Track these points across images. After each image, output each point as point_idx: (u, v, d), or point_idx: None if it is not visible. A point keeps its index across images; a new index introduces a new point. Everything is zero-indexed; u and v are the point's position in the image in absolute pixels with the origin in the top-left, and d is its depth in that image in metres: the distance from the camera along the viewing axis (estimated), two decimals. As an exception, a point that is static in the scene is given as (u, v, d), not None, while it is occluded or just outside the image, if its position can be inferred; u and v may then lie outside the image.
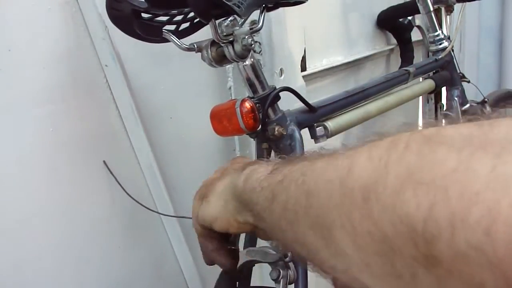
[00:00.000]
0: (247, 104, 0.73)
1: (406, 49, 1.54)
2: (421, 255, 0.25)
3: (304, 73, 1.19)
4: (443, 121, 0.32)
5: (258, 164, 0.47)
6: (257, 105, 0.75)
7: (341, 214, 0.31)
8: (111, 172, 0.88)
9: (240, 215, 0.48)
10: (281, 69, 1.08)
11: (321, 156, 0.38)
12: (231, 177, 0.51)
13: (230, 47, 0.71)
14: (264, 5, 0.77)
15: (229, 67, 1.08)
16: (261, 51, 1.01)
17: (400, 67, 1.47)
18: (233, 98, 1.06)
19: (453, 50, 1.37)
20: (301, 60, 1.17)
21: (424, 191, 0.25)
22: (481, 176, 0.23)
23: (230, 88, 1.10)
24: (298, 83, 1.14)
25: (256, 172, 0.45)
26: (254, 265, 0.75)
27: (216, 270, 0.80)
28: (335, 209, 0.32)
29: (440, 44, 1.34)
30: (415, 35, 1.58)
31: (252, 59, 0.75)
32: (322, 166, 0.35)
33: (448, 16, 1.47)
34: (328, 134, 0.87)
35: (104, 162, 0.88)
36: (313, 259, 0.36)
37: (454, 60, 1.38)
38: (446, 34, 1.36)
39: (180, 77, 1.01)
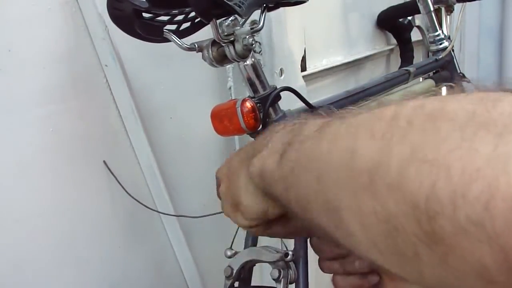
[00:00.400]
0: (248, 104, 0.73)
1: (406, 49, 1.54)
2: (424, 233, 0.26)
3: (304, 73, 1.19)
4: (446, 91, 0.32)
5: (261, 149, 0.47)
6: (258, 105, 0.75)
7: (348, 195, 0.32)
8: (111, 172, 0.88)
9: (276, 205, 0.48)
10: (281, 69, 1.08)
11: (321, 131, 0.38)
12: (243, 175, 0.51)
13: (231, 47, 0.71)
14: (264, 5, 0.77)
15: (229, 67, 1.08)
16: (261, 51, 1.01)
17: (400, 67, 1.47)
18: (233, 98, 1.06)
19: (453, 50, 1.36)
20: (301, 60, 1.17)
21: (427, 169, 0.26)
22: (482, 154, 0.24)
23: (230, 88, 1.10)
24: (298, 83, 1.14)
25: (267, 162, 0.45)
26: (254, 265, 0.75)
27: (216, 270, 0.80)
28: (342, 190, 0.32)
29: (441, 44, 1.34)
30: (415, 35, 1.58)
31: (253, 59, 0.75)
32: (326, 148, 0.35)
33: (448, 16, 1.47)
34: (329, 134, 0.87)
35: (104, 162, 0.88)
36: (332, 240, 0.37)
37: (454, 60, 1.38)
38: (446, 34, 1.36)
39: (180, 77, 1.01)
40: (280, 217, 0.52)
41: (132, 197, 0.91)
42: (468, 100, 0.28)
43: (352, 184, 0.31)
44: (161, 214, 0.98)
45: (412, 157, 0.27)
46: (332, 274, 0.56)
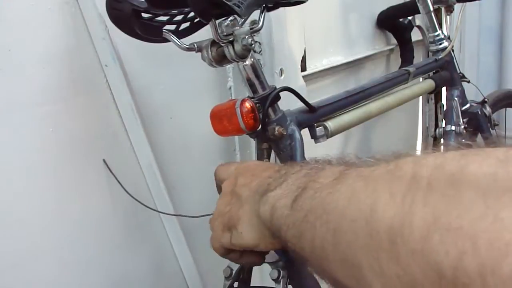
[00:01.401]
0: (247, 104, 0.73)
1: (406, 49, 1.54)
2: None
3: (304, 73, 1.19)
4: (461, 145, 0.31)
5: (275, 188, 0.47)
6: (257, 105, 0.75)
7: (368, 255, 0.31)
8: (110, 170, 0.88)
9: (278, 241, 0.48)
10: (281, 69, 1.08)
11: (338, 182, 0.38)
12: (250, 206, 0.52)
13: (230, 47, 0.71)
14: (264, 5, 0.77)
15: (229, 67, 1.08)
16: (261, 51, 1.01)
17: (400, 67, 1.47)
18: (233, 98, 1.06)
19: (453, 50, 1.36)
20: (301, 60, 1.17)
21: (452, 239, 0.26)
22: (509, 226, 0.23)
23: (230, 88, 1.10)
24: (298, 83, 1.14)
25: (278, 204, 0.45)
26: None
27: (216, 269, 0.80)
28: (363, 249, 0.32)
29: (440, 44, 1.34)
30: (415, 35, 1.58)
31: (252, 59, 0.75)
32: (344, 203, 0.35)
33: (448, 16, 1.47)
34: (328, 134, 0.87)
35: (104, 160, 0.88)
36: None
37: (454, 60, 1.38)
38: (446, 34, 1.36)
39: (180, 77, 1.01)
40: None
41: (132, 197, 0.91)
42: (489, 162, 0.28)
43: (372, 244, 0.31)
44: (161, 214, 0.98)
45: (436, 223, 0.27)
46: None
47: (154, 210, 0.95)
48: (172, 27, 0.72)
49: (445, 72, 1.35)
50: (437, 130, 1.38)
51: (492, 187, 0.26)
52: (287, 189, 0.45)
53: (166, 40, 0.72)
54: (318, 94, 1.17)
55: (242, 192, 0.54)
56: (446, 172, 0.29)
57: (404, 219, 0.29)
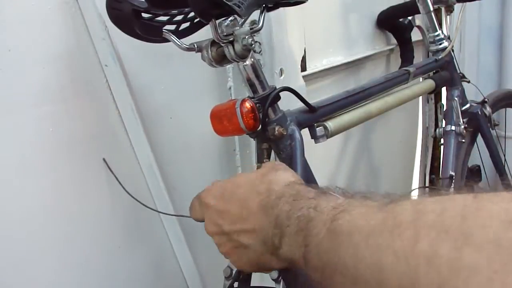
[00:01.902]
0: (248, 104, 0.73)
1: (406, 49, 1.54)
2: None
3: (304, 73, 1.19)
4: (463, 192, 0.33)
5: (280, 244, 0.50)
6: (257, 105, 0.75)
7: None
8: (110, 170, 0.88)
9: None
10: (281, 69, 1.08)
11: (333, 236, 0.41)
12: (261, 256, 0.55)
13: (230, 47, 0.71)
14: (264, 5, 0.77)
15: (229, 67, 1.08)
16: (261, 51, 1.01)
17: (400, 67, 1.47)
18: (233, 98, 1.06)
19: (453, 50, 1.36)
20: (301, 60, 1.17)
21: None
22: None
23: (230, 88, 1.10)
24: (298, 83, 1.14)
25: (295, 259, 0.48)
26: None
27: (216, 269, 0.80)
28: None
29: (440, 44, 1.34)
30: (415, 35, 1.58)
31: (252, 59, 0.75)
32: (350, 262, 0.38)
33: (448, 16, 1.47)
34: (328, 134, 0.87)
35: (104, 159, 0.88)
36: None
37: (454, 60, 1.38)
38: (446, 34, 1.36)
39: (180, 77, 1.01)
40: None
41: (132, 196, 0.91)
42: (491, 224, 0.28)
43: None
44: (160, 214, 0.98)
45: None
46: None
47: (154, 210, 0.95)
48: (172, 27, 0.72)
49: (445, 72, 1.35)
50: (437, 130, 1.39)
51: (496, 252, 0.26)
52: (291, 246, 0.48)
53: (166, 40, 0.72)
54: (318, 94, 1.17)
55: (248, 244, 0.55)
56: (449, 238, 0.29)
57: (412, 281, 0.30)
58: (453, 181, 1.26)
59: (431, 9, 1.32)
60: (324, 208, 0.45)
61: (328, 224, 0.42)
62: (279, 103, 0.79)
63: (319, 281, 0.44)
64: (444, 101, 1.44)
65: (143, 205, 0.92)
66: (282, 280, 0.68)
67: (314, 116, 0.86)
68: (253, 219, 0.54)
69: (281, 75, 1.08)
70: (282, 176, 0.56)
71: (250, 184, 0.57)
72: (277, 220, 0.50)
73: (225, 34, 0.71)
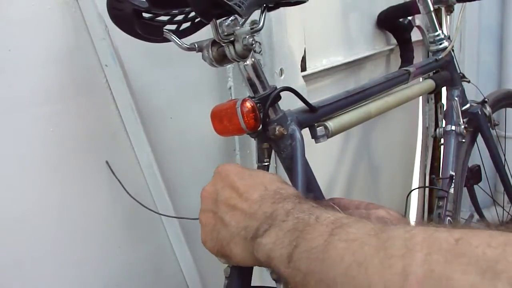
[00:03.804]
0: (248, 104, 0.73)
1: (406, 49, 1.54)
2: None
3: (304, 73, 1.19)
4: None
5: (263, 233, 0.51)
6: (258, 105, 0.75)
7: None
8: (113, 172, 0.88)
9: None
10: (281, 69, 1.08)
11: (327, 246, 0.42)
12: (242, 245, 0.55)
13: (231, 47, 0.71)
14: (264, 5, 0.77)
15: (229, 67, 1.08)
16: (261, 51, 1.01)
17: (400, 67, 1.47)
18: (233, 98, 1.06)
19: (453, 50, 1.36)
20: (301, 60, 1.17)
21: None
22: None
23: (230, 88, 1.10)
24: (298, 83, 1.14)
25: (273, 254, 0.48)
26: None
27: (216, 269, 0.80)
28: None
29: (441, 44, 1.34)
30: (415, 35, 1.58)
31: (252, 59, 0.75)
32: (341, 278, 0.39)
33: (448, 16, 1.47)
34: (329, 134, 0.87)
35: (107, 162, 0.88)
36: None
37: (454, 60, 1.38)
38: (446, 34, 1.36)
39: (180, 77, 1.01)
40: None
41: (134, 198, 0.91)
42: (471, 270, 0.32)
43: None
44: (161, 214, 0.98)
45: None
46: None
47: (156, 212, 0.95)
48: (173, 27, 0.72)
49: (445, 72, 1.35)
50: (437, 130, 1.38)
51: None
52: (278, 240, 0.48)
53: (166, 40, 0.71)
54: (318, 94, 1.17)
55: (228, 222, 0.57)
56: (434, 280, 0.33)
57: None
58: (453, 181, 1.26)
59: (431, 9, 1.31)
60: (324, 221, 0.46)
61: (325, 236, 0.43)
62: (279, 103, 0.79)
63: (295, 283, 0.45)
64: (444, 101, 1.44)
65: (145, 207, 0.92)
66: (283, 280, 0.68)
67: (314, 116, 0.85)
68: (248, 204, 0.55)
69: (281, 75, 1.08)
70: (292, 188, 0.59)
71: (264, 177, 0.60)
72: (273, 213, 0.51)
73: (225, 34, 0.71)
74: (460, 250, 0.34)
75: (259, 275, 1.01)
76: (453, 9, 1.41)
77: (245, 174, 0.61)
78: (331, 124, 0.87)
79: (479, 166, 1.55)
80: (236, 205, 0.57)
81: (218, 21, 0.70)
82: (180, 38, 0.72)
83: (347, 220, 0.44)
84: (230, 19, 0.72)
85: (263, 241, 0.50)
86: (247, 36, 0.70)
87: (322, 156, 1.33)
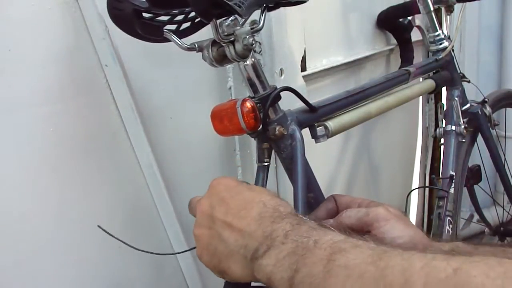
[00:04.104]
0: (248, 104, 0.73)
1: (406, 49, 1.54)
2: None
3: (304, 73, 1.19)
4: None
5: (263, 254, 0.51)
6: (258, 104, 0.75)
7: None
8: (108, 233, 0.88)
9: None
10: (281, 69, 1.08)
11: (328, 274, 0.43)
12: (241, 264, 0.55)
13: (231, 47, 0.71)
14: (265, 5, 0.77)
15: (229, 67, 1.08)
16: (261, 51, 1.01)
17: (400, 67, 1.47)
18: (233, 98, 1.06)
19: (453, 50, 1.36)
20: (301, 60, 1.17)
21: None
22: None
23: (230, 88, 1.10)
24: (298, 83, 1.14)
25: (274, 277, 0.49)
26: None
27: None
28: None
29: (441, 44, 1.34)
30: (415, 35, 1.58)
31: (253, 59, 0.75)
32: None
33: (448, 16, 1.47)
34: (329, 134, 0.87)
35: (99, 226, 0.88)
36: None
37: (455, 60, 1.38)
38: (446, 34, 1.36)
39: (180, 77, 1.01)
40: None
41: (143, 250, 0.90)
42: None
43: None
44: (161, 214, 0.98)
45: None
46: None
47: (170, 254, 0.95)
48: (173, 27, 0.72)
49: (446, 72, 1.35)
50: (437, 130, 1.38)
51: None
52: (278, 263, 0.49)
53: (167, 40, 0.71)
54: (318, 94, 1.17)
55: (226, 239, 0.56)
56: None
57: None
58: (453, 181, 1.26)
59: (432, 9, 1.31)
60: (323, 244, 0.46)
61: (324, 262, 0.44)
62: (279, 103, 0.79)
63: None
64: (444, 101, 1.44)
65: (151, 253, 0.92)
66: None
67: (314, 116, 0.85)
68: (247, 222, 0.54)
69: (281, 75, 1.08)
70: (290, 206, 0.58)
71: (261, 193, 0.59)
72: (273, 233, 0.51)
73: (226, 34, 0.71)
74: (459, 280, 0.34)
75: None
76: (453, 9, 1.41)
77: (242, 189, 0.60)
78: (331, 124, 0.87)
79: (479, 166, 1.55)
80: (232, 222, 0.56)
81: (218, 21, 0.70)
82: (180, 38, 0.71)
83: (345, 245, 0.44)
84: (230, 19, 0.72)
85: (263, 262, 0.50)
86: (247, 36, 0.70)
87: (322, 156, 1.33)
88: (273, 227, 0.52)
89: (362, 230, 0.62)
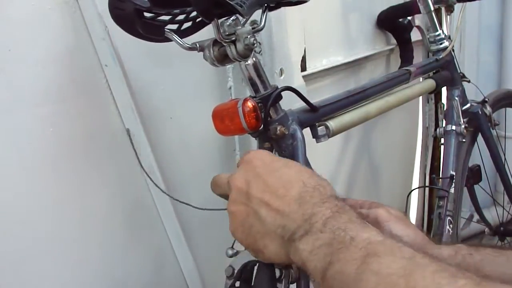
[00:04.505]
0: (250, 104, 0.73)
1: (406, 49, 1.54)
2: None
3: (304, 73, 1.19)
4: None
5: (300, 238, 0.51)
6: (259, 104, 0.75)
7: None
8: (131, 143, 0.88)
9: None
10: (281, 69, 1.08)
11: (361, 272, 0.43)
12: (277, 242, 0.54)
13: (232, 47, 0.71)
14: (266, 5, 0.77)
15: (229, 67, 1.08)
16: (261, 51, 1.01)
17: (400, 67, 1.47)
18: (233, 98, 1.06)
19: (453, 50, 1.36)
20: (301, 60, 1.17)
21: None
22: None
23: (230, 88, 1.10)
24: (298, 83, 1.14)
25: (309, 264, 0.49)
26: (256, 265, 0.75)
27: (216, 269, 0.80)
28: None
29: (441, 44, 1.34)
30: (415, 35, 1.58)
31: (254, 59, 0.74)
32: None
33: (448, 16, 1.47)
34: (330, 134, 0.86)
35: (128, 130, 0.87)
36: None
37: (455, 60, 1.38)
38: (446, 34, 1.36)
39: (180, 77, 1.01)
40: None
41: (159, 188, 0.90)
42: None
43: None
44: (160, 214, 0.98)
45: None
46: None
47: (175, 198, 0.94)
48: (174, 26, 0.72)
49: (446, 72, 1.35)
50: (437, 129, 1.38)
51: None
52: (314, 250, 0.49)
53: (168, 40, 0.71)
54: (318, 94, 1.17)
55: (264, 218, 0.55)
56: None
57: None
58: (454, 180, 1.26)
59: (432, 8, 1.31)
60: (359, 243, 0.45)
61: (358, 263, 0.43)
62: (280, 102, 0.79)
63: None
64: (444, 100, 1.43)
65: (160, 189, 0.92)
66: (283, 280, 0.68)
67: (315, 116, 0.85)
68: (286, 202, 0.53)
69: (281, 75, 1.08)
70: (330, 186, 0.57)
71: (300, 171, 0.57)
72: (312, 218, 0.50)
73: (227, 33, 0.71)
74: None
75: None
76: (453, 9, 1.41)
77: (278, 165, 0.58)
78: (332, 123, 0.87)
79: (479, 165, 1.55)
80: (270, 201, 0.54)
81: (219, 20, 0.70)
82: (181, 38, 0.71)
83: (380, 249, 0.44)
84: (231, 18, 0.72)
85: (300, 246, 0.50)
86: (249, 36, 0.70)
87: (322, 155, 1.33)
88: (313, 210, 0.51)
89: None
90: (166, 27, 0.70)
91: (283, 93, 0.78)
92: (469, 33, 2.02)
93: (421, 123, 1.91)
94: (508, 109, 1.82)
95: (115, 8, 0.66)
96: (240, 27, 0.71)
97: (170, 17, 0.70)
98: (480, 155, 1.59)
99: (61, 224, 0.84)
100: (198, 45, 0.73)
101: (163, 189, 0.96)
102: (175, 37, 0.70)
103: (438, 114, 1.84)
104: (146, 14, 0.67)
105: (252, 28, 0.73)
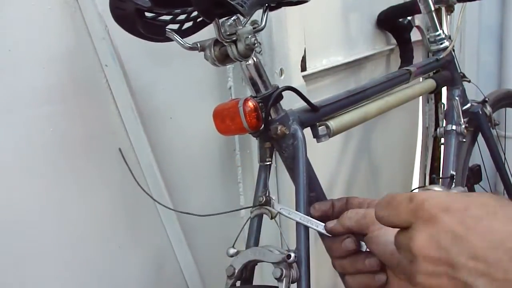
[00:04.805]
0: (250, 103, 0.73)
1: (406, 49, 1.54)
2: None
3: (304, 73, 1.19)
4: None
5: None
6: (260, 104, 0.75)
7: None
8: (126, 163, 0.87)
9: None
10: (281, 69, 1.07)
11: None
12: None
13: (233, 47, 0.71)
14: (267, 5, 0.77)
15: (229, 67, 1.08)
16: (261, 51, 1.01)
17: (400, 67, 1.47)
18: (233, 98, 1.06)
19: (453, 50, 1.36)
20: (301, 60, 1.17)
21: None
22: None
23: (230, 88, 1.10)
24: (298, 83, 1.14)
25: None
26: (256, 264, 0.75)
27: (216, 269, 0.80)
28: None
29: (441, 43, 1.34)
30: (415, 35, 1.58)
31: (254, 59, 0.74)
32: None
33: (448, 16, 1.47)
34: (330, 134, 0.87)
35: (120, 149, 0.87)
36: None
37: (455, 59, 1.38)
38: (446, 34, 1.36)
39: (180, 77, 1.00)
40: None
41: (149, 195, 0.90)
42: None
43: None
44: (160, 214, 0.98)
45: None
46: (332, 273, 0.57)
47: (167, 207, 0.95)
48: (175, 26, 0.72)
49: (446, 72, 1.35)
50: (437, 129, 1.38)
51: None
52: None
53: (169, 39, 0.71)
54: (318, 94, 1.17)
55: (471, 281, 0.43)
56: None
57: None
58: (454, 180, 1.26)
59: (432, 8, 1.31)
60: None
61: None
62: (281, 102, 0.79)
63: None
64: (444, 100, 1.44)
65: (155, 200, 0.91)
66: (284, 279, 0.68)
67: (316, 116, 0.85)
68: (502, 266, 0.42)
69: (281, 75, 1.08)
70: None
71: (506, 217, 0.43)
72: None
73: (228, 33, 0.71)
74: None
75: (260, 274, 1.01)
76: (454, 9, 1.42)
77: (469, 212, 0.45)
78: (333, 123, 0.87)
79: (479, 165, 1.55)
80: (478, 268, 0.43)
81: (220, 20, 0.69)
82: (182, 38, 0.71)
83: None
84: (232, 18, 0.72)
85: None
86: (250, 36, 0.70)
87: (322, 155, 1.33)
88: None
89: (361, 233, 0.61)
90: (167, 27, 0.70)
91: (283, 93, 0.78)
92: (469, 33, 2.03)
93: (421, 123, 1.91)
94: (508, 109, 1.82)
95: (116, 8, 0.66)
96: (241, 27, 0.71)
97: (171, 17, 0.70)
98: (480, 155, 1.59)
99: (61, 224, 0.83)
100: (199, 45, 0.73)
101: (163, 189, 0.96)
102: (176, 37, 0.70)
103: (438, 114, 1.84)
104: (147, 14, 0.67)
105: (253, 28, 0.73)
